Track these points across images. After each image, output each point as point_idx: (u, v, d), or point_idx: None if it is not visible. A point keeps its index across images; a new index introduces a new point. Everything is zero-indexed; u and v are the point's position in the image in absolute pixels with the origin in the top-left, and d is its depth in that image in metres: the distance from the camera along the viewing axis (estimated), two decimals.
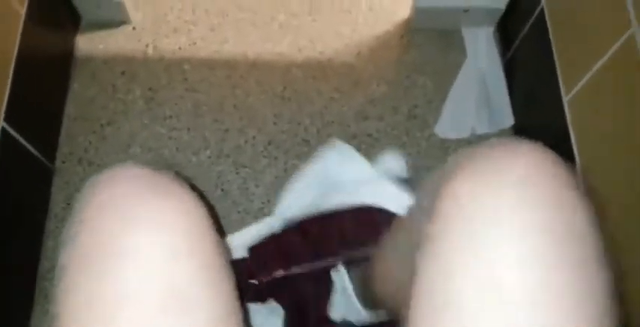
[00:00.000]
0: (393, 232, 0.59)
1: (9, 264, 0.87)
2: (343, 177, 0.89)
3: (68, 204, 1.00)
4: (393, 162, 0.97)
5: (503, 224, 0.35)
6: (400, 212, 0.70)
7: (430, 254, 0.38)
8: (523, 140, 0.40)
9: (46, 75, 1.03)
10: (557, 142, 0.86)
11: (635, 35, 0.67)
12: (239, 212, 1.00)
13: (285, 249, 0.84)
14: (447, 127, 1.05)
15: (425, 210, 0.42)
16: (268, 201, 1.01)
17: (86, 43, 1.13)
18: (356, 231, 0.81)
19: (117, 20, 1.14)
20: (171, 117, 1.08)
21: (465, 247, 0.36)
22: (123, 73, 1.11)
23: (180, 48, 1.13)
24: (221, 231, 0.43)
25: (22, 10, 0.90)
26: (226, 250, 0.42)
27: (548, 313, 0.33)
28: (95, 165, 1.03)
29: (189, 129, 1.06)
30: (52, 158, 1.02)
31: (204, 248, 0.40)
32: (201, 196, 0.43)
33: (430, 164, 1.03)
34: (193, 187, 0.43)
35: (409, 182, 0.94)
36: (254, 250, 0.85)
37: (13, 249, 0.89)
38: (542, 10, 0.94)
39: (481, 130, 1.05)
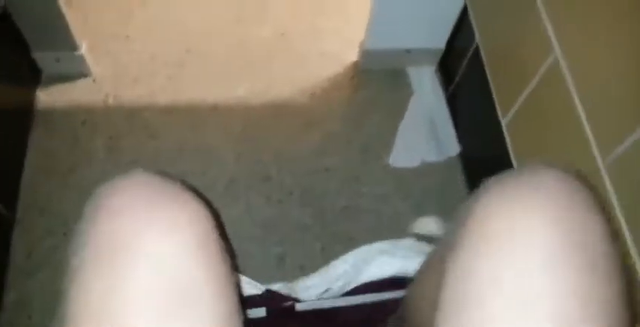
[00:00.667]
0: (421, 276, 0.60)
1: None
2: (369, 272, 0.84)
3: (29, 255, 0.99)
4: (432, 224, 0.99)
5: (523, 233, 0.38)
6: None
7: (454, 265, 0.41)
8: (548, 167, 0.43)
9: (6, 128, 1.04)
10: (499, 165, 0.92)
11: (558, 59, 0.75)
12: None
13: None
14: (399, 157, 1.10)
15: (450, 238, 0.44)
16: (232, 237, 1.02)
17: (46, 96, 1.16)
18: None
19: (77, 73, 1.17)
20: (132, 162, 1.10)
21: (490, 255, 0.38)
22: (84, 123, 1.14)
23: (140, 97, 1.17)
24: (226, 238, 0.45)
25: None
26: (231, 257, 0.44)
27: (572, 322, 0.35)
28: (56, 214, 1.04)
29: None
30: (12, 209, 1.02)
31: (211, 252, 0.41)
32: (208, 204, 0.45)
33: (385, 192, 1.08)
34: (200, 195, 0.45)
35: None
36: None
37: None
38: (477, 47, 1.03)
39: (430, 158, 1.11)
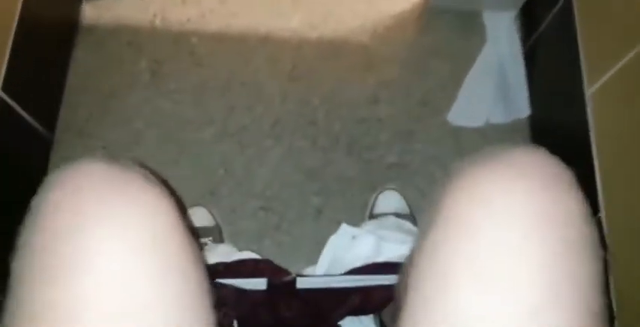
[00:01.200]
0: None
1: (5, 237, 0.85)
2: (352, 259, 0.79)
3: None
4: (393, 200, 0.93)
5: (490, 212, 0.36)
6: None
7: (425, 247, 0.39)
8: (524, 146, 0.41)
9: (49, 43, 0.99)
10: (575, 138, 0.83)
11: None
12: (241, 194, 0.97)
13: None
14: (460, 114, 1.01)
15: (423, 224, 0.41)
16: (271, 182, 0.98)
17: (92, 11, 1.09)
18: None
19: None
20: (176, 91, 1.04)
21: (461, 236, 0.37)
22: (129, 43, 1.07)
23: (188, 20, 1.09)
24: (190, 228, 0.40)
25: None
26: (195, 248, 0.40)
27: (540, 299, 0.34)
28: (95, 137, 1.01)
29: (194, 104, 1.03)
30: (51, 129, 0.99)
31: (167, 250, 0.37)
32: (169, 190, 0.40)
33: (440, 153, 1.00)
34: (165, 183, 0.40)
35: (411, 217, 0.91)
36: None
37: (12, 220, 0.87)
38: None
39: (496, 119, 1.01)
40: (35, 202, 0.38)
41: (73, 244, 0.35)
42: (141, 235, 0.36)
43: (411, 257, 0.47)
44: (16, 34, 0.83)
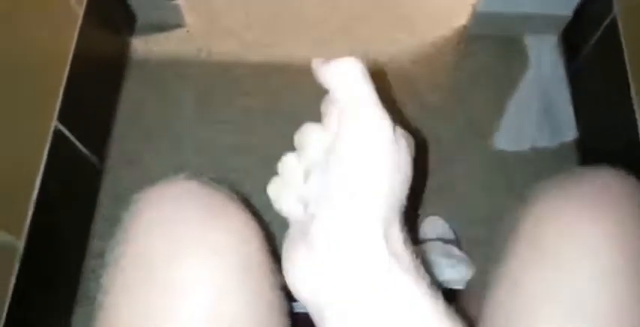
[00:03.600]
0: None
1: (54, 263, 0.87)
2: None
3: (116, 205, 1.00)
4: (438, 226, 0.92)
5: (578, 243, 0.35)
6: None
7: (502, 276, 0.38)
8: (611, 170, 0.39)
9: (101, 76, 1.03)
10: (627, 160, 0.80)
11: None
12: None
13: None
14: (506, 138, 1.00)
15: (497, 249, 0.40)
16: None
17: (141, 45, 1.14)
18: None
19: (171, 23, 1.14)
20: (222, 121, 1.07)
21: (541, 265, 0.35)
22: (176, 75, 1.11)
23: (233, 51, 1.12)
24: (274, 252, 0.40)
25: (80, 11, 0.91)
26: (280, 276, 0.39)
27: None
28: (143, 166, 1.03)
29: (240, 133, 1.05)
30: (102, 159, 1.03)
31: (254, 282, 0.37)
32: (255, 214, 0.40)
33: (485, 178, 0.98)
34: (247, 203, 0.40)
35: (456, 242, 0.90)
36: None
37: (59, 249, 0.89)
38: (614, 19, 0.88)
39: (542, 143, 0.99)
40: (126, 219, 0.38)
41: (166, 273, 0.34)
42: (235, 262, 0.36)
43: (475, 284, 0.46)
44: (71, 68, 0.87)
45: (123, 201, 1.09)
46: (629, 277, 0.34)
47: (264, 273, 0.38)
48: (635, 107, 0.79)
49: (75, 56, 0.88)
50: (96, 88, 1.01)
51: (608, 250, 0.34)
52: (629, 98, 0.80)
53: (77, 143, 0.91)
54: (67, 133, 0.86)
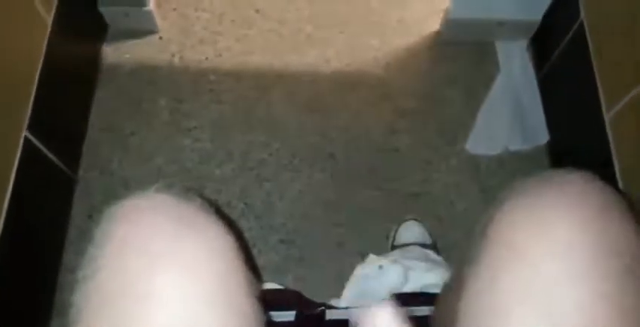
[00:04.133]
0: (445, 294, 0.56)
1: (28, 274, 0.86)
2: (380, 289, 0.79)
3: (90, 216, 0.99)
4: (415, 231, 0.93)
5: (550, 242, 0.36)
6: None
7: (475, 277, 0.38)
8: (577, 171, 0.40)
9: (72, 84, 1.02)
10: (597, 161, 0.82)
11: None
12: (262, 227, 0.97)
13: None
14: (478, 142, 1.01)
15: (470, 250, 0.41)
16: (291, 215, 0.98)
17: (113, 52, 1.12)
18: None
19: (144, 29, 1.13)
20: (195, 128, 1.06)
21: (514, 266, 0.36)
22: (149, 83, 1.10)
23: (206, 58, 1.12)
24: (249, 261, 0.40)
25: (49, 18, 0.89)
26: (255, 285, 0.40)
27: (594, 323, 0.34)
28: (117, 176, 1.02)
29: (213, 141, 1.05)
30: (74, 168, 1.01)
31: (229, 293, 0.37)
32: (230, 223, 0.40)
33: (460, 182, 1.00)
34: (220, 212, 0.40)
35: (434, 246, 0.91)
36: None
37: (33, 260, 0.88)
38: (581, 24, 0.90)
39: (514, 146, 1.01)
40: (98, 234, 0.37)
41: (144, 287, 0.34)
42: (209, 274, 0.36)
43: (452, 286, 0.46)
44: (41, 76, 0.86)
45: (96, 212, 1.08)
46: (599, 276, 0.34)
47: (239, 283, 0.38)
48: (604, 110, 0.81)
49: (44, 65, 0.87)
50: (67, 96, 1.00)
51: (578, 250, 0.35)
52: (598, 101, 0.82)
53: (48, 153, 0.89)
54: (37, 143, 0.85)
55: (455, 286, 0.45)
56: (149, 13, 1.09)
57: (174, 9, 1.16)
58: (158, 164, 1.03)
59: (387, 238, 0.94)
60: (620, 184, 0.76)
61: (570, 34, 0.94)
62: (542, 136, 1.01)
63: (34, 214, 0.87)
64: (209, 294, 0.35)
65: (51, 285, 0.92)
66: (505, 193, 0.40)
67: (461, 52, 1.12)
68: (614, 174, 0.77)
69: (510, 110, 1.03)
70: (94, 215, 0.98)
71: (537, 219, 0.37)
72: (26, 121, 0.82)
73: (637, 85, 0.73)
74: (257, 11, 1.16)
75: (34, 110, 0.83)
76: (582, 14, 0.90)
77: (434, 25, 1.14)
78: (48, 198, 0.93)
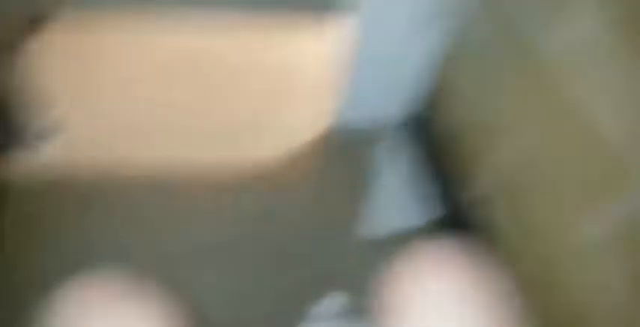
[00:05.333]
0: None
1: None
2: None
3: None
4: (336, 304, 0.96)
5: (428, 294, 0.51)
6: None
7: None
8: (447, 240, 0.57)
9: None
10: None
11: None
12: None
13: None
14: (374, 224, 1.10)
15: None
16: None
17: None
18: None
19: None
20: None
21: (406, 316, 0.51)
22: None
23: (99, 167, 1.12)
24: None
25: None
26: None
27: None
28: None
29: None
30: None
31: None
32: (179, 294, 0.46)
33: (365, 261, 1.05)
34: (169, 285, 0.46)
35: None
36: None
37: None
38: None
39: (410, 222, 1.11)
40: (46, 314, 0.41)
41: None
42: None
43: None
44: None
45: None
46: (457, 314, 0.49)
47: None
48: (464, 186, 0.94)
49: None
50: None
51: (453, 300, 0.49)
52: (454, 177, 0.96)
53: None
54: None
55: None
56: None
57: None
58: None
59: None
60: None
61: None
62: (435, 210, 1.12)
63: None
64: None
65: None
66: (397, 257, 0.54)
67: (346, 151, 1.24)
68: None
69: (400, 190, 1.15)
70: None
71: (420, 277, 0.51)
72: None
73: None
74: (144, 113, 1.19)
75: None
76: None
77: (318, 129, 1.26)
78: None
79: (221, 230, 1.08)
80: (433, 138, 1.14)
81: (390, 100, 1.18)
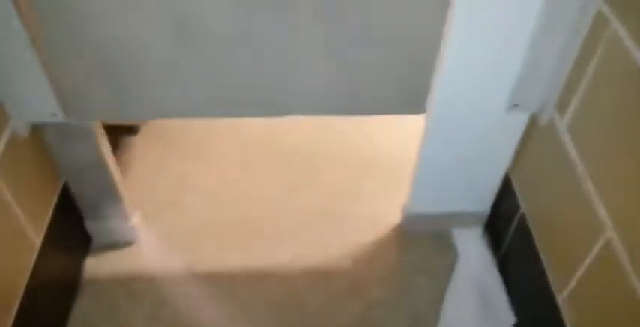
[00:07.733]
0: None
1: None
2: None
3: None
4: None
5: None
6: None
7: None
8: None
9: (53, 299, 1.05)
10: None
11: (610, 239, 0.72)
12: None
13: None
14: None
15: None
16: None
17: (94, 265, 1.18)
18: None
19: (127, 241, 1.20)
20: None
21: None
22: (127, 293, 1.13)
23: (186, 265, 1.17)
24: None
25: (39, 241, 0.96)
26: None
27: None
28: None
29: None
30: None
31: None
32: None
33: None
34: None
35: None
36: None
37: None
38: (522, 216, 1.01)
39: None
40: None
41: None
42: None
43: None
44: (24, 297, 0.89)
45: None
46: None
47: None
48: (558, 298, 0.86)
49: (28, 286, 0.91)
50: (47, 311, 1.02)
51: None
52: (550, 289, 0.88)
53: None
54: None
55: None
56: (132, 227, 1.17)
57: (158, 220, 1.25)
58: None
59: None
60: None
61: (515, 223, 1.05)
62: (508, 319, 1.04)
63: None
64: None
65: None
66: None
67: (423, 241, 1.21)
68: None
69: (474, 296, 1.08)
70: None
71: None
72: None
73: (577, 270, 0.80)
74: (241, 218, 1.26)
75: (16, 321, 0.85)
76: (522, 206, 1.01)
77: (395, 218, 1.24)
78: None
79: None
80: (508, 234, 1.07)
81: (464, 191, 1.13)
